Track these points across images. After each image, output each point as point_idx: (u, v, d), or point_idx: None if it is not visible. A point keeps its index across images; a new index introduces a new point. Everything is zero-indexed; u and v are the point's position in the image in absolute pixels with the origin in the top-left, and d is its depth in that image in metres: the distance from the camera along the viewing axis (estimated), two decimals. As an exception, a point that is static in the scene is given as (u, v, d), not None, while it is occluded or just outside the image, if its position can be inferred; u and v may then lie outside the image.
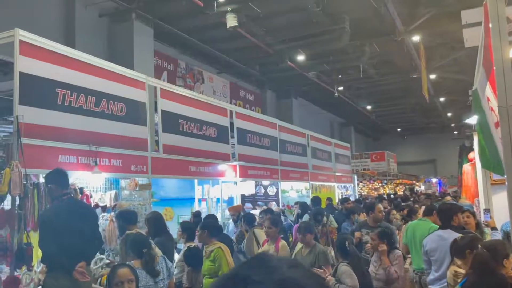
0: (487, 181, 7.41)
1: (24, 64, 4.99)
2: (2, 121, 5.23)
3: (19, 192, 4.75)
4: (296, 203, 10.44)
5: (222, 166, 8.55)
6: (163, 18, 12.08)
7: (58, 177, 4.38)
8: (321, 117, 24.76)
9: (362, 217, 7.36)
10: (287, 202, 11.71)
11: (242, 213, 7.49)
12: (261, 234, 6.06)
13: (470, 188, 9.44)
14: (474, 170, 8.66)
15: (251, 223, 6.48)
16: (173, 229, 7.43)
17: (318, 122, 23.68)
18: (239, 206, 7.91)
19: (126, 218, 5.07)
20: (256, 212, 8.68)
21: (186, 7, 11.10)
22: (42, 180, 5.31)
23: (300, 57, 15.42)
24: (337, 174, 15.07)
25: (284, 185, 11.71)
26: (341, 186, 15.67)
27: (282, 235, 5.86)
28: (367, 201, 10.99)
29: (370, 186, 20.87)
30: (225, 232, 7.97)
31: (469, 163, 9.81)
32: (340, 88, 19.72)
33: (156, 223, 5.42)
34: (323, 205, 9.88)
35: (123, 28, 11.18)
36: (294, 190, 12.28)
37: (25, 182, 4.80)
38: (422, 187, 25.92)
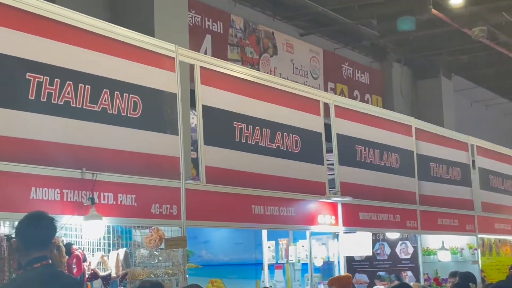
0: None
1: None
2: None
3: None
4: (453, 274, 10.21)
5: (312, 206, 8.61)
6: None
7: (33, 229, 4.39)
8: (497, 111, 23.98)
9: None
10: (435, 272, 11.47)
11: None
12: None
13: None
14: None
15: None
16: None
17: (491, 119, 22.96)
18: (347, 277, 7.82)
19: None
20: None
21: None
22: (3, 231, 5.63)
23: (455, 0, 15.16)
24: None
25: (428, 239, 11.43)
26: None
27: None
28: None
29: None
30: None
31: None
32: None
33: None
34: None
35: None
36: (448, 250, 12.03)
37: None
38: None
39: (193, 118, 10.06)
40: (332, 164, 9.66)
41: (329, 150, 9.65)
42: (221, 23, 14.31)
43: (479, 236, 12.41)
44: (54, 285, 4.16)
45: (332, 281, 7.63)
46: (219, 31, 14.21)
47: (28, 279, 4.06)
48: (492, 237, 13.01)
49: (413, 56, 19.82)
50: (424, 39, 18.31)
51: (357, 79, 18.55)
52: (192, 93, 7.77)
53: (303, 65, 16.51)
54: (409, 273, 10.79)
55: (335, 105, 9.67)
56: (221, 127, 7.75)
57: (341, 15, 15.94)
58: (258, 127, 8.17)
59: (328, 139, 9.55)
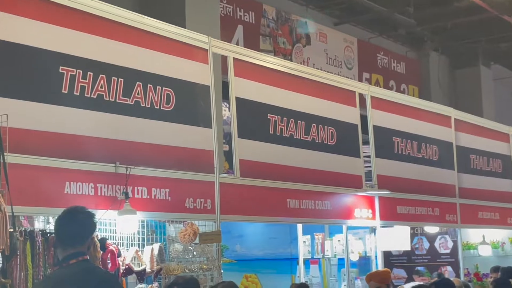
0: None
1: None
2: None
3: (2, 247, 5.00)
4: (495, 269, 10.11)
5: (348, 199, 8.59)
6: None
7: (70, 225, 4.06)
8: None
9: None
10: (475, 267, 11.36)
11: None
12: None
13: None
14: None
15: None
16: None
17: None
18: (386, 272, 7.73)
19: None
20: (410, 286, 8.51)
21: None
22: (38, 226, 5.65)
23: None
24: None
25: (468, 233, 11.34)
26: None
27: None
28: None
29: None
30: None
31: None
32: None
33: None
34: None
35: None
36: (489, 245, 11.86)
37: (11, 230, 5.01)
38: None
39: (224, 110, 10.07)
40: (369, 157, 9.62)
41: (365, 142, 9.59)
42: (253, 13, 14.17)
43: (522, 230, 12.15)
44: (90, 281, 3.91)
45: (370, 276, 7.55)
46: (251, 21, 14.08)
47: (63, 276, 3.88)
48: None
49: (451, 44, 19.50)
50: (462, 27, 17.99)
51: (393, 68, 18.34)
52: (224, 85, 7.74)
53: (337, 55, 16.34)
54: (449, 268, 10.67)
55: (371, 96, 9.62)
56: (255, 120, 7.75)
57: (376, 3, 15.72)
58: (293, 119, 8.15)
59: (365, 131, 9.50)
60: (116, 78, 6.14)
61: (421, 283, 8.60)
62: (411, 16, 16.70)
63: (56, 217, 4.46)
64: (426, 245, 10.96)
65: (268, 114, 7.81)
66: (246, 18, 14.01)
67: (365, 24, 17.26)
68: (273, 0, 14.63)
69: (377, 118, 9.55)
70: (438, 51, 19.56)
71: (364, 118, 9.54)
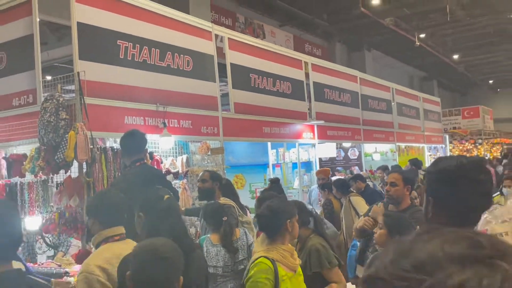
0: None
1: (81, 13, 4.78)
2: (62, 80, 5.09)
3: (86, 157, 4.61)
4: (380, 167, 9.89)
5: (299, 127, 8.13)
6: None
7: (132, 140, 4.08)
8: (399, 71, 23.44)
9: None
10: (370, 166, 11.12)
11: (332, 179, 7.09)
12: (358, 202, 5.63)
13: None
14: None
15: (345, 189, 6.01)
16: (245, 198, 7.17)
17: (395, 77, 22.37)
18: (327, 169, 7.47)
19: (214, 177, 4.81)
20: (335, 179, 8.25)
21: None
22: (108, 144, 5.21)
23: (375, 1, 14.44)
24: (426, 133, 14.20)
25: (367, 147, 11.12)
26: (431, 147, 14.72)
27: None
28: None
29: (461, 147, 19.52)
30: (307, 200, 7.65)
31: None
32: (422, 36, 18.35)
33: (227, 189, 5.06)
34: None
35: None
36: (378, 153, 11.66)
37: (91, 147, 4.67)
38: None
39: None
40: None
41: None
42: (230, 19, 13.66)
43: (397, 144, 12.07)
44: (151, 174, 4.04)
45: (318, 172, 7.29)
46: (229, 23, 13.55)
47: (135, 172, 3.93)
48: (403, 144, 12.59)
49: (349, 38, 19.13)
50: (355, 28, 17.64)
51: (314, 53, 17.85)
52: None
53: (281, 45, 15.82)
54: (356, 168, 10.47)
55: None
56: (242, 78, 7.15)
57: (305, 12, 15.29)
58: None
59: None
60: (154, 49, 5.62)
61: (340, 177, 8.26)
62: (325, 20, 16.28)
63: (121, 137, 4.15)
64: (342, 154, 10.65)
65: (250, 74, 7.26)
66: (226, 22, 13.48)
67: (298, 26, 16.66)
68: (242, 11, 14.06)
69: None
70: (341, 42, 19.11)
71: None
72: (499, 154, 19.86)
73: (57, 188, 4.89)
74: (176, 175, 5.72)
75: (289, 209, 2.98)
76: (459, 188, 1.57)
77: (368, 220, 3.56)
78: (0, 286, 1.67)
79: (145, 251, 1.87)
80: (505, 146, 22.03)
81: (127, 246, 2.31)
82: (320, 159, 8.96)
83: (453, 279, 0.50)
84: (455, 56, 22.33)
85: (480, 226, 2.52)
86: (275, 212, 2.88)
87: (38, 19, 5.01)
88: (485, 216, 2.55)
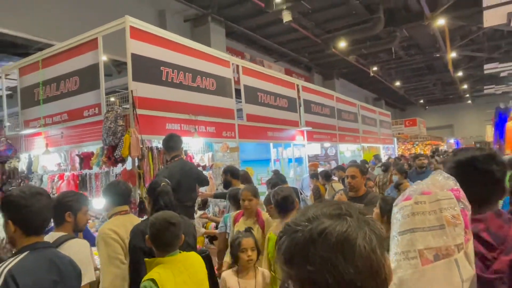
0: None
1: (134, 46, 4.38)
2: (118, 96, 4.72)
3: (137, 154, 4.27)
4: (350, 161, 9.44)
5: (293, 132, 7.69)
6: (233, 20, 11.32)
7: (171, 141, 3.80)
8: (358, 94, 23.02)
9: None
10: (342, 161, 10.65)
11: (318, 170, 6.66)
12: (337, 186, 5.24)
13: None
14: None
15: (328, 178, 5.63)
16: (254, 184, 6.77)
17: (355, 98, 21.91)
18: (317, 163, 7.07)
19: (233, 172, 4.41)
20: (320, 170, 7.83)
21: (251, 8, 10.40)
22: (154, 144, 4.82)
23: (342, 44, 14.06)
24: (381, 137, 13.75)
25: (341, 146, 10.72)
26: (385, 147, 14.27)
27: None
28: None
29: (403, 147, 19.10)
30: (300, 186, 7.22)
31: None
32: (374, 69, 17.98)
33: (245, 178, 4.72)
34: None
35: (202, 30, 10.57)
36: (349, 151, 11.21)
37: (141, 146, 4.31)
38: (445, 147, 23.53)
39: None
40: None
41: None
42: (240, 57, 12.67)
43: (362, 144, 11.60)
44: (188, 167, 3.76)
45: (311, 165, 6.91)
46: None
47: (175, 165, 3.66)
48: (366, 145, 12.17)
49: (323, 70, 18.70)
50: (328, 62, 17.20)
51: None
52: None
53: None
54: (333, 162, 10.01)
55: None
56: (252, 95, 6.72)
57: (293, 52, 14.77)
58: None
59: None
60: (188, 73, 5.19)
61: (323, 168, 7.84)
62: (307, 57, 15.90)
63: (163, 139, 3.86)
64: (324, 152, 10.21)
65: (258, 92, 6.82)
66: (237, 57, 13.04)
67: (288, 62, 16.34)
68: (248, 51, 13.68)
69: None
70: (317, 73, 18.73)
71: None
72: (429, 151, 19.40)
73: (115, 177, 4.52)
74: (204, 168, 5.29)
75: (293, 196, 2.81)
76: (472, 176, 1.31)
77: None
78: (30, 254, 1.50)
79: (160, 220, 1.99)
80: (434, 146, 21.57)
81: (129, 218, 2.61)
82: (308, 156, 8.53)
83: (324, 224, 0.68)
84: (397, 83, 21.99)
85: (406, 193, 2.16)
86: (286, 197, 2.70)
87: (102, 52, 4.63)
88: (411, 187, 2.20)
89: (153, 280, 1.81)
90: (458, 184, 1.39)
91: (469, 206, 1.66)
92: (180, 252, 2.01)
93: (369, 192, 3.35)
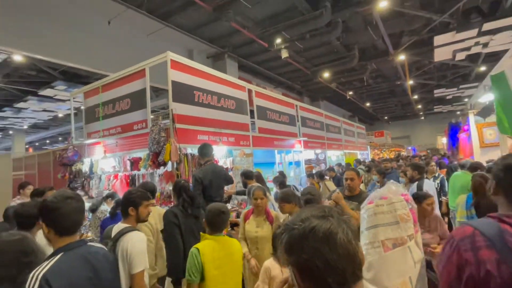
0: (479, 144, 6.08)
1: (173, 75, 4.29)
2: (162, 113, 4.61)
3: (176, 159, 4.12)
4: (336, 164, 9.32)
5: (293, 141, 7.53)
6: (243, 56, 11.38)
7: (205, 149, 3.67)
8: (337, 112, 22.89)
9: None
10: (330, 163, 10.43)
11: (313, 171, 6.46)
12: (330, 184, 5.05)
13: (465, 149, 7.74)
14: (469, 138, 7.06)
15: (322, 177, 5.45)
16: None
17: (336, 114, 21.90)
18: (312, 166, 6.89)
19: (247, 175, 4.26)
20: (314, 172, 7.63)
21: (257, 48, 10.45)
22: (189, 151, 4.67)
23: (326, 75, 14.01)
24: (358, 145, 13.59)
25: (329, 152, 10.48)
26: (361, 152, 14.07)
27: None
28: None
29: (373, 152, 18.91)
30: (299, 184, 7.02)
31: (464, 133, 8.06)
32: (350, 93, 17.91)
33: (260, 178, 4.56)
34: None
35: (220, 64, 10.59)
36: (335, 156, 11.04)
37: (179, 153, 4.18)
38: (405, 153, 23.31)
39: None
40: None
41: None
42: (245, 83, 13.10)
43: (344, 151, 11.38)
44: (218, 169, 3.60)
45: (307, 167, 6.74)
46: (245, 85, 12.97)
47: (207, 168, 3.52)
48: (347, 151, 11.90)
49: (311, 94, 18.62)
50: (314, 88, 17.08)
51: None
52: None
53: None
54: (323, 165, 9.70)
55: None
56: (262, 113, 6.57)
57: (289, 81, 14.68)
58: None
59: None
60: (214, 96, 5.07)
61: (316, 170, 7.65)
62: (299, 84, 15.79)
63: (198, 147, 3.71)
64: (315, 156, 9.99)
65: (267, 111, 6.68)
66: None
67: (284, 88, 16.18)
68: (255, 80, 13.58)
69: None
70: (307, 96, 18.56)
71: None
72: (394, 156, 19.19)
73: (159, 178, 4.37)
74: (227, 170, 5.13)
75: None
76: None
77: (331, 203, 2.97)
78: (64, 256, 1.33)
79: (214, 208, 2.08)
80: (397, 152, 21.35)
81: (155, 209, 2.73)
82: (304, 160, 8.34)
83: (313, 223, 0.70)
84: (368, 104, 21.88)
85: (369, 198, 2.05)
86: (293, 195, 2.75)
87: (148, 80, 4.54)
88: (372, 194, 2.07)
89: (197, 249, 1.93)
90: (407, 190, 1.28)
91: (416, 206, 1.70)
92: (224, 236, 2.07)
93: (362, 192, 3.18)
